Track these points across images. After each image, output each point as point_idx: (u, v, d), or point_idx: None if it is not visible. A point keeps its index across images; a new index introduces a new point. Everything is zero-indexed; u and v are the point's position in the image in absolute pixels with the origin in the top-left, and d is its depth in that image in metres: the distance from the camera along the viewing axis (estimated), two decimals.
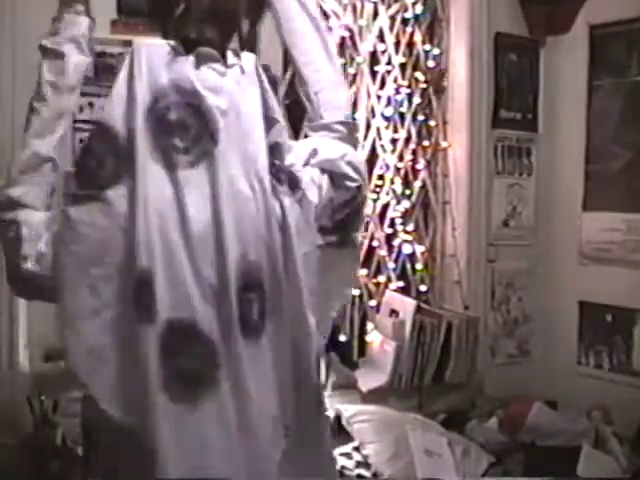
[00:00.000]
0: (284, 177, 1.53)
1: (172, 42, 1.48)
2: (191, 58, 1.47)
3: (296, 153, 1.59)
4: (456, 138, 3.45)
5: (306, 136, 1.71)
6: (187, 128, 1.44)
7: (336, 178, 1.59)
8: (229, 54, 1.52)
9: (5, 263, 1.46)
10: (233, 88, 1.49)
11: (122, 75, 1.46)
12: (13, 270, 1.45)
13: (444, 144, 3.44)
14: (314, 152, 1.59)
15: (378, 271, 3.28)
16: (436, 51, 3.41)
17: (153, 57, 1.46)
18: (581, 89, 3.45)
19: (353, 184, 1.61)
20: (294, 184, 1.54)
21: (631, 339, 3.30)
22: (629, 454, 2.88)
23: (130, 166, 1.41)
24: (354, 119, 1.77)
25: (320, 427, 1.59)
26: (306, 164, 1.58)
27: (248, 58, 1.55)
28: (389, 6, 3.29)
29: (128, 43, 2.66)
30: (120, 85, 1.46)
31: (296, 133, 2.84)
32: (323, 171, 1.58)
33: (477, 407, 3.21)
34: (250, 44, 1.63)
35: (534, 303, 3.62)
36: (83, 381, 1.41)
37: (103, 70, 2.42)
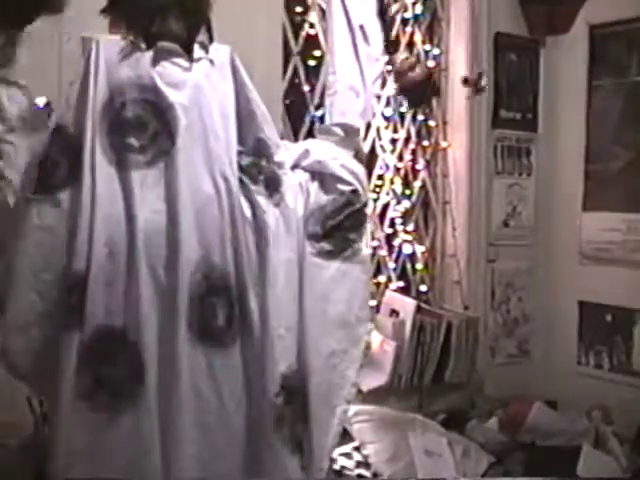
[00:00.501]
0: (262, 177, 1.46)
1: (132, 37, 1.42)
2: (151, 53, 1.41)
3: (289, 153, 1.55)
4: (456, 138, 3.44)
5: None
6: (144, 126, 1.38)
7: (327, 181, 1.53)
8: (196, 47, 1.46)
9: None
10: (199, 83, 1.43)
11: (80, 73, 1.42)
12: None
13: (444, 144, 3.44)
14: (306, 153, 1.55)
15: (378, 271, 3.28)
16: (436, 51, 3.41)
17: (111, 53, 1.40)
18: (581, 89, 3.45)
19: (347, 188, 1.54)
20: (274, 185, 1.48)
21: (631, 339, 3.30)
22: (629, 454, 2.88)
23: (79, 168, 1.36)
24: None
25: (273, 451, 1.45)
26: (297, 165, 1.53)
27: (222, 50, 1.49)
28: (389, 6, 3.28)
29: None
30: (75, 84, 1.42)
31: (295, 133, 2.86)
32: (314, 175, 1.53)
33: (477, 407, 3.21)
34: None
35: (534, 303, 3.62)
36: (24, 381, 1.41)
37: None
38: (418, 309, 3.16)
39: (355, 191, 1.56)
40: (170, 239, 1.36)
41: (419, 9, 3.33)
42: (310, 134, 2.81)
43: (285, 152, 1.54)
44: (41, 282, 1.35)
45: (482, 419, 3.07)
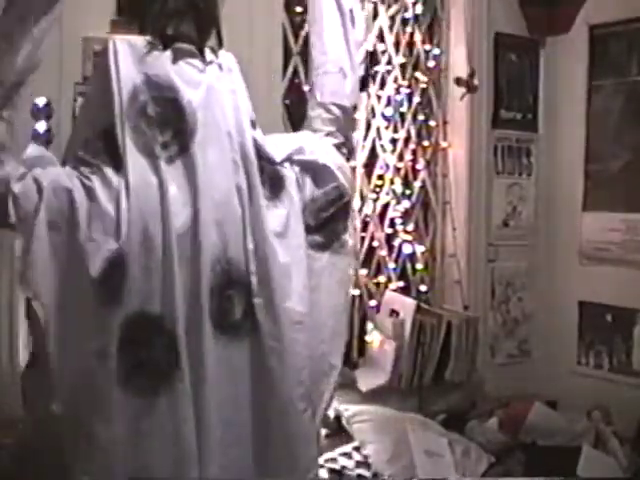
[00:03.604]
0: (265, 176, 1.50)
1: (149, 38, 1.47)
2: (168, 53, 1.46)
3: (279, 146, 1.57)
4: (456, 138, 3.45)
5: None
6: (166, 123, 1.43)
7: (320, 175, 1.57)
8: (207, 51, 1.51)
9: None
10: (212, 84, 1.48)
11: (100, 70, 1.46)
12: None
13: (444, 144, 3.44)
14: (300, 149, 1.58)
15: (378, 271, 3.28)
16: (436, 51, 3.41)
17: (130, 52, 1.45)
18: (581, 89, 3.46)
19: (337, 183, 1.58)
20: (279, 183, 1.53)
21: (631, 339, 3.30)
22: (629, 454, 2.88)
23: (117, 157, 1.40)
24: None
25: (295, 432, 1.49)
26: (289, 159, 1.56)
27: (227, 56, 1.54)
28: (389, 6, 3.29)
29: None
30: (97, 80, 1.46)
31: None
32: (307, 169, 1.56)
33: (477, 407, 3.21)
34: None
35: (534, 303, 3.62)
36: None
37: None
38: (418, 309, 3.16)
39: (343, 185, 1.60)
40: (193, 232, 1.40)
41: (419, 9, 3.34)
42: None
43: (278, 145, 1.57)
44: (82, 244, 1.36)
45: (482, 419, 3.07)
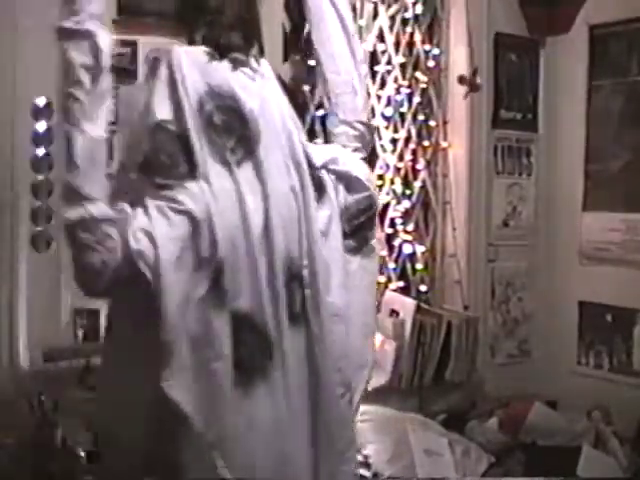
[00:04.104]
0: (311, 180, 1.61)
1: (206, 48, 1.54)
2: (226, 63, 1.54)
3: (317, 152, 1.66)
4: (456, 138, 3.44)
5: (325, 131, 1.82)
6: (230, 131, 1.50)
7: (353, 185, 1.67)
8: (252, 60, 1.59)
9: (81, 267, 1.41)
10: (261, 92, 1.57)
11: (162, 79, 1.51)
12: (94, 267, 1.39)
13: (444, 144, 3.44)
14: (335, 159, 1.67)
15: (378, 271, 3.28)
16: (436, 51, 3.41)
17: (192, 63, 1.52)
18: (581, 89, 3.45)
19: (366, 194, 1.70)
20: (322, 187, 1.63)
21: (631, 339, 3.30)
22: (629, 454, 2.88)
23: (195, 165, 1.47)
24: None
25: (341, 416, 1.63)
26: (325, 166, 1.66)
27: (265, 65, 1.63)
28: (389, 6, 3.29)
29: (129, 43, 2.67)
30: (164, 89, 1.50)
31: None
32: (341, 178, 1.66)
33: (477, 407, 3.21)
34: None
35: (534, 303, 3.62)
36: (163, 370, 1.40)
37: None
38: (418, 309, 3.16)
39: (373, 196, 1.73)
40: (266, 232, 1.50)
41: (419, 9, 3.33)
42: (311, 134, 2.82)
43: (315, 154, 1.66)
44: (186, 263, 1.44)
45: (482, 419, 3.07)
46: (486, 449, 2.88)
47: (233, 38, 1.57)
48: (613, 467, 2.81)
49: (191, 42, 1.58)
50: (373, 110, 3.25)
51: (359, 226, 1.70)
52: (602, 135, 3.40)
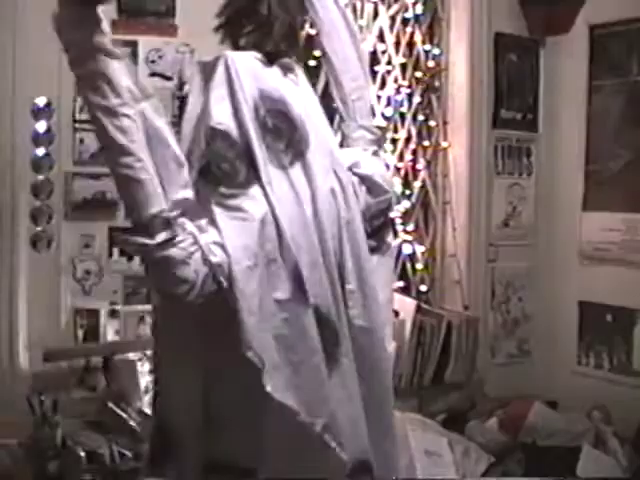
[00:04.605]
0: None
1: (257, 54, 1.58)
2: (275, 68, 1.59)
3: (342, 158, 1.71)
4: (456, 138, 3.45)
5: (342, 134, 1.84)
6: (281, 134, 1.55)
7: (373, 189, 1.73)
8: (295, 67, 1.65)
9: (169, 279, 1.42)
10: (304, 97, 1.62)
11: (219, 83, 1.53)
12: (188, 279, 1.42)
13: (444, 144, 3.44)
14: (357, 164, 1.72)
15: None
16: (436, 51, 3.41)
17: (245, 67, 1.55)
18: (581, 89, 3.45)
19: (387, 196, 1.76)
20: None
21: (631, 339, 3.30)
22: (629, 454, 2.88)
23: (255, 169, 1.50)
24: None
25: (388, 416, 1.73)
26: (349, 170, 1.70)
27: (300, 70, 1.67)
28: (389, 6, 3.29)
29: (129, 43, 2.68)
30: (221, 93, 1.53)
31: None
32: (363, 180, 1.71)
33: (477, 407, 3.21)
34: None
35: (534, 303, 3.62)
36: (262, 373, 1.45)
37: None
38: (418, 309, 3.16)
39: (392, 197, 1.80)
40: (318, 232, 1.56)
41: (419, 9, 3.34)
42: None
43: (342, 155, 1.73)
44: (257, 267, 1.48)
45: (482, 419, 3.08)
46: (486, 449, 2.88)
47: (281, 45, 1.62)
48: (613, 467, 2.81)
49: (236, 47, 1.62)
50: (373, 110, 3.24)
51: (380, 226, 1.76)
52: (602, 135, 3.40)
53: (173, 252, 1.40)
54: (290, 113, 1.56)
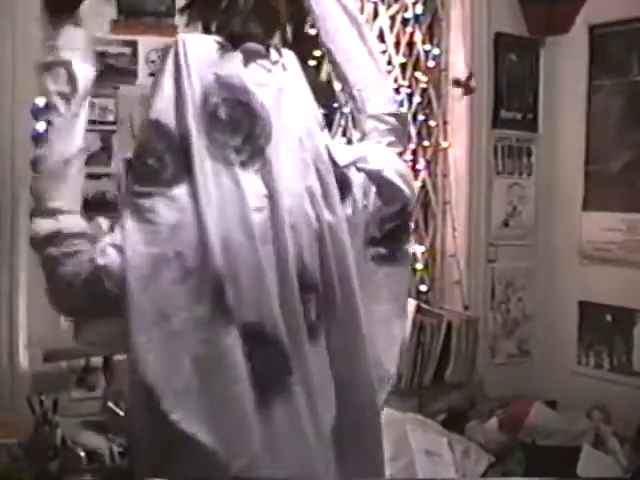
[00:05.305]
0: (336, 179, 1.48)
1: (218, 37, 1.44)
2: (239, 54, 1.43)
3: (344, 150, 1.56)
4: (456, 138, 3.44)
5: (355, 127, 1.70)
6: (238, 126, 1.39)
7: (384, 188, 1.53)
8: (272, 51, 1.48)
9: (50, 282, 1.37)
10: (280, 85, 1.45)
11: (168, 70, 1.41)
12: (65, 287, 1.34)
13: (444, 144, 3.44)
14: (364, 158, 1.54)
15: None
16: (436, 51, 3.41)
17: (200, 52, 1.41)
18: (581, 89, 3.45)
19: (401, 194, 1.56)
20: (345, 187, 1.50)
21: (631, 339, 3.30)
22: (629, 454, 2.88)
23: (188, 165, 1.36)
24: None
25: (372, 432, 1.53)
26: (354, 165, 1.53)
27: (289, 55, 1.51)
28: (389, 6, 3.28)
29: (128, 43, 2.68)
30: (167, 81, 1.41)
31: None
32: (372, 178, 1.53)
33: (477, 407, 3.21)
34: (297, 45, 1.58)
35: (534, 303, 3.62)
36: (161, 400, 1.30)
37: (104, 70, 2.42)
38: (418, 309, 3.16)
39: (407, 196, 1.58)
40: (274, 237, 1.38)
41: (419, 9, 3.33)
42: None
43: (343, 153, 1.54)
44: (163, 279, 1.33)
45: (482, 419, 3.08)
46: (486, 449, 2.88)
47: (250, 27, 1.45)
48: (613, 467, 2.81)
49: (207, 32, 1.48)
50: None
51: (392, 230, 1.55)
52: (602, 135, 3.40)
53: (53, 250, 1.34)
54: (251, 103, 1.40)
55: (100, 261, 1.32)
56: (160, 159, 1.37)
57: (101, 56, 2.47)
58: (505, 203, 3.55)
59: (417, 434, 2.80)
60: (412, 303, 3.17)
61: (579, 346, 3.48)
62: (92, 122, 2.29)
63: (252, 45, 1.44)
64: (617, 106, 3.35)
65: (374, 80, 1.65)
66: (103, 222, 1.41)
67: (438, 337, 3.16)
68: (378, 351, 1.53)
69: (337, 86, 3.00)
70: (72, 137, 1.40)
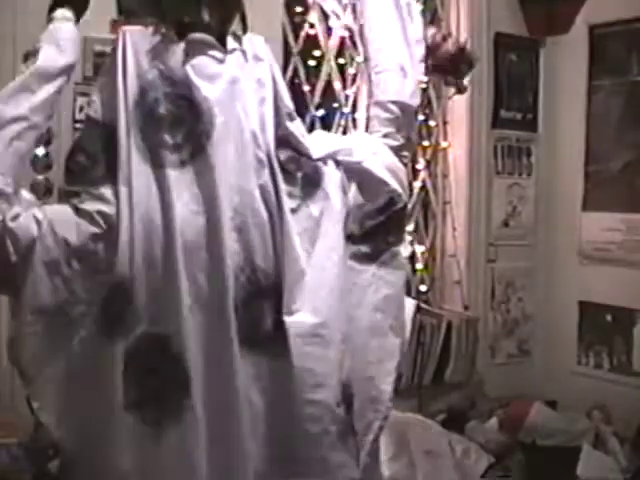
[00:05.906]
0: (300, 174, 1.39)
1: (163, 29, 1.35)
2: (182, 45, 1.34)
3: (322, 142, 1.48)
4: (456, 138, 3.44)
5: (355, 127, 1.64)
6: (178, 122, 1.32)
7: (366, 181, 1.45)
8: (229, 39, 1.39)
9: None
10: (233, 76, 1.36)
11: (107, 66, 1.37)
12: None
13: (444, 144, 3.44)
14: (347, 150, 1.46)
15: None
16: None
17: (140, 45, 1.34)
18: (581, 89, 3.45)
19: (387, 188, 1.46)
20: (315, 181, 1.41)
21: (631, 339, 3.30)
22: (629, 454, 2.88)
23: (114, 166, 1.30)
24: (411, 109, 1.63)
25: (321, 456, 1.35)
26: (332, 158, 1.45)
27: (255, 41, 1.42)
28: None
29: None
30: (103, 77, 1.37)
31: None
32: (353, 171, 1.44)
33: (477, 407, 3.21)
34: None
35: (534, 303, 3.62)
36: (29, 385, 1.30)
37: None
38: (418, 309, 3.16)
39: (395, 191, 1.49)
40: (210, 241, 1.29)
41: (419, 9, 3.33)
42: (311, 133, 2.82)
43: (315, 143, 1.47)
44: (61, 275, 1.28)
45: (482, 419, 3.08)
46: (486, 449, 2.88)
47: (201, 14, 1.35)
48: (613, 467, 2.81)
49: (160, 21, 1.39)
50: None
51: (377, 228, 1.46)
52: (602, 135, 3.40)
53: None
54: (193, 97, 1.31)
55: (10, 224, 1.27)
56: (90, 157, 1.32)
57: (100, 56, 2.47)
58: (505, 203, 3.55)
59: (417, 434, 2.79)
60: (412, 303, 3.16)
61: (579, 346, 3.48)
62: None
63: (198, 35, 1.35)
64: (617, 106, 3.35)
65: (394, 66, 1.57)
66: (27, 193, 1.35)
67: (438, 337, 3.16)
68: (366, 365, 1.43)
69: (337, 86, 3.01)
70: (16, 103, 1.32)
